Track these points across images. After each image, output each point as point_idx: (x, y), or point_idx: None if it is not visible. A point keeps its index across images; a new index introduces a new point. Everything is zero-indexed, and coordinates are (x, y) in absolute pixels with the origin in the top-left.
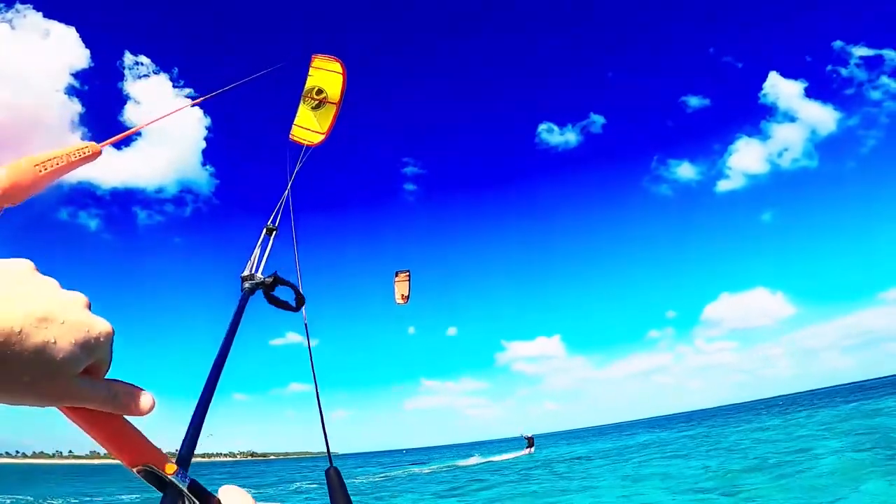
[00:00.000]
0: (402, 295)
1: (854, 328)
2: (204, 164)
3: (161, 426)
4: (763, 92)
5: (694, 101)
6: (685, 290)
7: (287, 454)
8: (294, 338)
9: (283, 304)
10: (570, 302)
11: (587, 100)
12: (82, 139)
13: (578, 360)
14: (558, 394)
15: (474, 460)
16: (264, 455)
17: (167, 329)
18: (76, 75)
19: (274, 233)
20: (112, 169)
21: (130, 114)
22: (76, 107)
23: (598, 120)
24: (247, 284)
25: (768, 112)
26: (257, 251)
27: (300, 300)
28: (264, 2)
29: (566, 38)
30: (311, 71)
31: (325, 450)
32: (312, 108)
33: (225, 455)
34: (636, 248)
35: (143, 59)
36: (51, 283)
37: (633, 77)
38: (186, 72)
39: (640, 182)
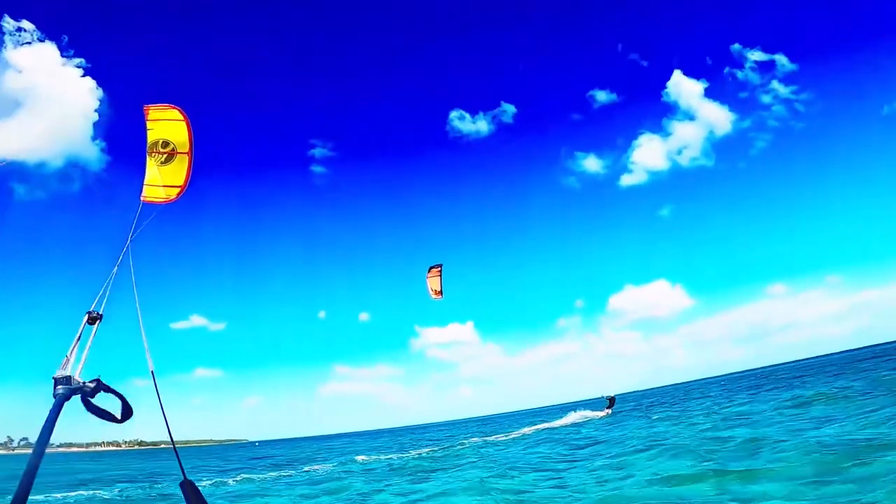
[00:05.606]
0: (435, 290)
1: (744, 320)
2: (94, 139)
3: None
4: (666, 90)
5: (601, 96)
6: (592, 280)
7: (187, 442)
8: (198, 321)
9: (104, 415)
10: (483, 290)
11: (498, 88)
12: None
13: (491, 347)
14: (473, 379)
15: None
16: (154, 444)
17: (48, 308)
18: None
19: (98, 321)
20: None
21: (11, 82)
22: None
23: (508, 109)
24: (60, 389)
25: (670, 110)
26: (75, 346)
27: (127, 411)
28: None
29: (477, 25)
30: (149, 124)
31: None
32: (161, 163)
33: (109, 444)
34: (546, 238)
35: (27, 24)
36: None
37: (543, 68)
38: (77, 40)
39: (549, 173)
